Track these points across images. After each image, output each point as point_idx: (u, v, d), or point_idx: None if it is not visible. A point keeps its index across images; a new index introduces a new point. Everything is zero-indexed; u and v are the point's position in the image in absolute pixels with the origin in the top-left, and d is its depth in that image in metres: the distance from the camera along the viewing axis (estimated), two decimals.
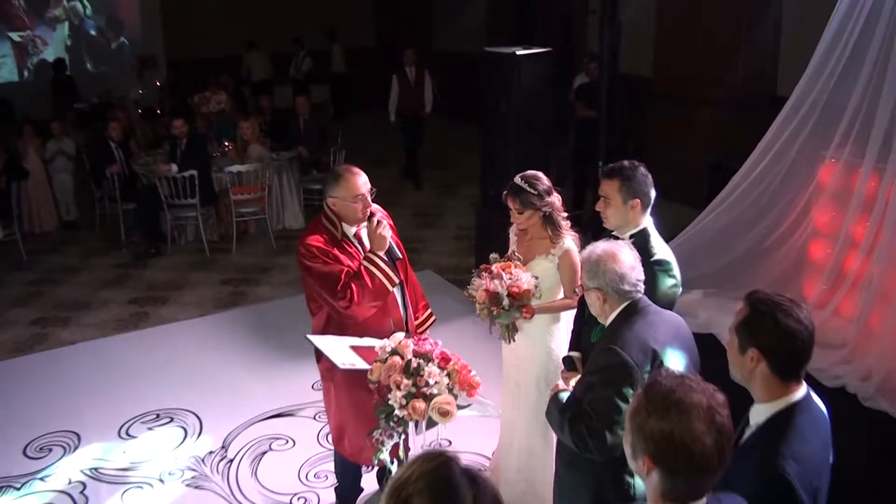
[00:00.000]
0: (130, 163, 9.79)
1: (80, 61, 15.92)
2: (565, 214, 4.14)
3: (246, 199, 9.27)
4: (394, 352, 3.23)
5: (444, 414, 3.06)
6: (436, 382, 3.09)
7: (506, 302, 3.85)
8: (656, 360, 2.91)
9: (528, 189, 4.03)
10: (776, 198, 6.33)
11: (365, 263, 3.81)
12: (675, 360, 2.97)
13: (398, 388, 3.08)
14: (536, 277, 3.93)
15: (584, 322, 3.63)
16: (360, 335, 3.76)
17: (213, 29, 15.35)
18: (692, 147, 9.62)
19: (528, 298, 3.89)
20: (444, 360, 3.16)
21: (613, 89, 8.30)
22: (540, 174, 4.11)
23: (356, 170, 3.92)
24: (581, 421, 2.90)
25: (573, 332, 3.90)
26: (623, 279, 2.98)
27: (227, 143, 10.16)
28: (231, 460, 5.28)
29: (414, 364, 3.13)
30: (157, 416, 5.87)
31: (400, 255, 3.99)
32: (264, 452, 5.34)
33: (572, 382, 3.21)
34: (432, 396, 3.08)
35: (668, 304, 3.21)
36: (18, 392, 6.28)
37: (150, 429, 5.72)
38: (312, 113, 10.80)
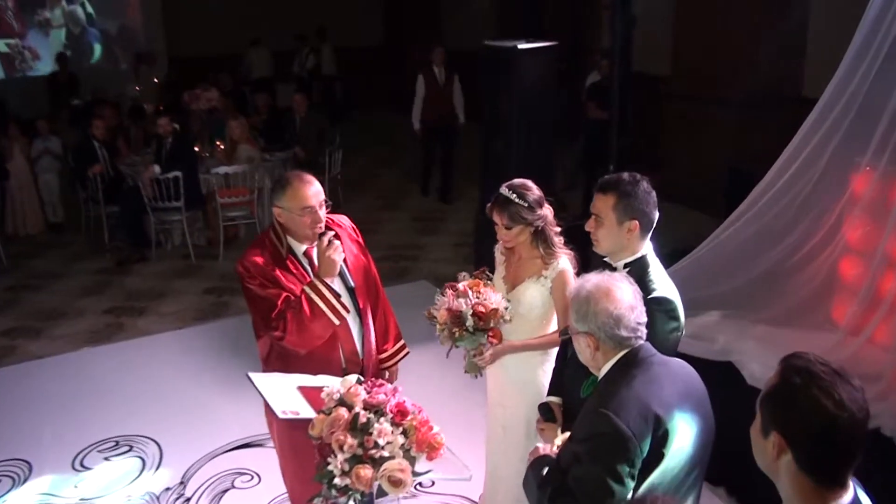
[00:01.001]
0: (116, 163, 9.28)
1: (80, 57, 15.40)
2: (558, 229, 3.55)
3: (234, 202, 8.74)
4: (341, 401, 2.65)
5: (396, 483, 2.47)
6: (388, 443, 2.51)
7: (469, 322, 3.29)
8: (660, 429, 2.31)
9: (518, 201, 3.44)
10: (804, 209, 5.70)
11: (306, 290, 3.26)
12: (685, 428, 2.38)
13: (341, 449, 2.50)
14: (509, 301, 3.38)
15: (567, 363, 3.05)
16: (304, 368, 3.21)
17: (214, 26, 14.83)
18: (710, 150, 9.05)
19: (497, 321, 3.34)
20: (401, 415, 2.57)
21: (626, 88, 7.73)
22: (529, 182, 3.52)
23: (308, 177, 3.36)
24: (563, 501, 2.33)
25: (553, 373, 3.33)
26: (619, 322, 2.41)
27: (218, 143, 9.63)
28: (188, 499, 4.73)
29: (362, 419, 2.55)
30: (116, 443, 5.34)
31: (352, 284, 3.44)
32: (226, 490, 4.79)
33: (557, 442, 2.63)
34: (383, 460, 2.50)
35: (667, 352, 2.60)
36: None
37: (106, 459, 5.19)
38: (310, 112, 10.25)
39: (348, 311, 3.36)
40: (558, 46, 7.01)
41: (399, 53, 16.25)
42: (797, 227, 5.71)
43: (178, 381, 6.08)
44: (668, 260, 6.26)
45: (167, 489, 4.84)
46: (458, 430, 5.00)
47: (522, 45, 6.36)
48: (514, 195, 3.44)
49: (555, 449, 2.61)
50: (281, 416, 2.90)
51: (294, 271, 3.36)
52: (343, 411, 2.59)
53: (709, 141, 9.13)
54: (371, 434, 2.51)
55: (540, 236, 3.49)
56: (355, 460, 2.50)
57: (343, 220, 3.68)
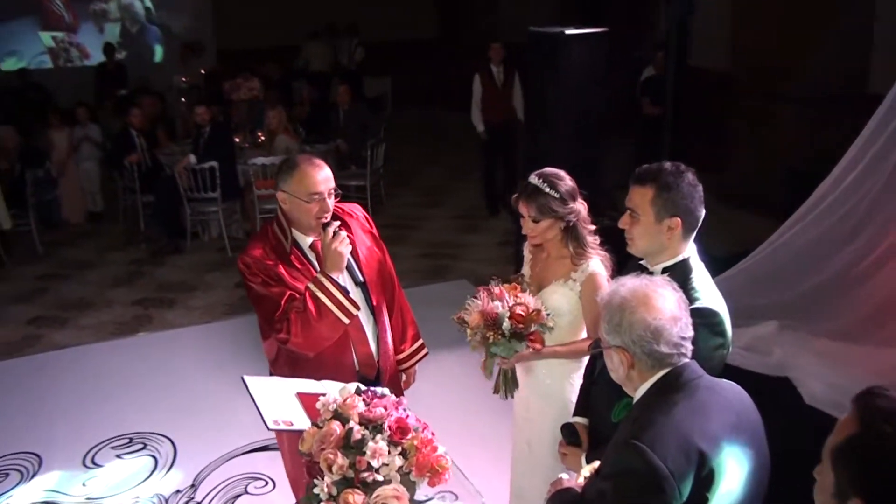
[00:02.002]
0: (155, 153, 9.10)
1: (139, 58, 15.17)
2: (592, 227, 3.18)
3: (271, 193, 8.40)
4: (336, 414, 2.32)
5: None
6: (383, 465, 2.17)
7: (506, 325, 2.91)
8: (704, 467, 1.93)
9: (548, 191, 3.06)
10: (871, 212, 5.26)
11: (311, 287, 2.95)
12: (735, 467, 1.98)
13: (330, 469, 2.18)
14: (547, 309, 3.00)
15: (595, 380, 2.68)
16: (314, 372, 2.90)
17: (265, 18, 14.68)
18: (770, 149, 8.56)
19: (539, 324, 2.94)
20: (400, 432, 2.23)
21: (681, 82, 7.28)
22: (562, 173, 3.14)
23: (318, 161, 3.06)
24: None
25: (580, 389, 2.96)
26: (659, 336, 2.02)
27: (259, 134, 9.41)
28: (199, 503, 4.47)
29: (357, 435, 2.21)
30: (130, 440, 5.12)
31: (361, 279, 3.12)
32: (238, 495, 4.51)
33: (584, 473, 2.27)
34: (376, 485, 2.17)
35: (710, 372, 2.21)
36: None
37: (118, 456, 4.96)
38: (353, 104, 9.97)
39: (358, 309, 3.05)
40: (611, 34, 6.60)
41: (453, 46, 15.88)
42: (863, 232, 5.28)
43: (200, 377, 5.83)
44: (723, 265, 5.89)
45: (177, 492, 4.59)
46: (482, 446, 4.72)
47: (570, 31, 5.97)
48: (545, 184, 3.08)
49: (580, 480, 2.25)
50: (271, 426, 2.58)
51: (299, 266, 3.07)
52: (336, 425, 2.26)
53: (769, 139, 8.67)
54: (364, 454, 2.17)
55: (571, 233, 3.11)
56: (344, 484, 2.16)
57: (355, 209, 3.38)
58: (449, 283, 7.42)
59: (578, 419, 2.79)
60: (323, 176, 3.00)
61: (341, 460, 2.17)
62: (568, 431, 2.71)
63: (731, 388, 2.14)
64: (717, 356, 2.41)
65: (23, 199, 8.44)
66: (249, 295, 3.11)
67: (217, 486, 4.60)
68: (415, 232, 9.10)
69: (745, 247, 6.01)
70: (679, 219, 2.48)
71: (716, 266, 5.85)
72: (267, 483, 4.59)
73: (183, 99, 11.74)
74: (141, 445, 5.05)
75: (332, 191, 3.03)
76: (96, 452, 5.00)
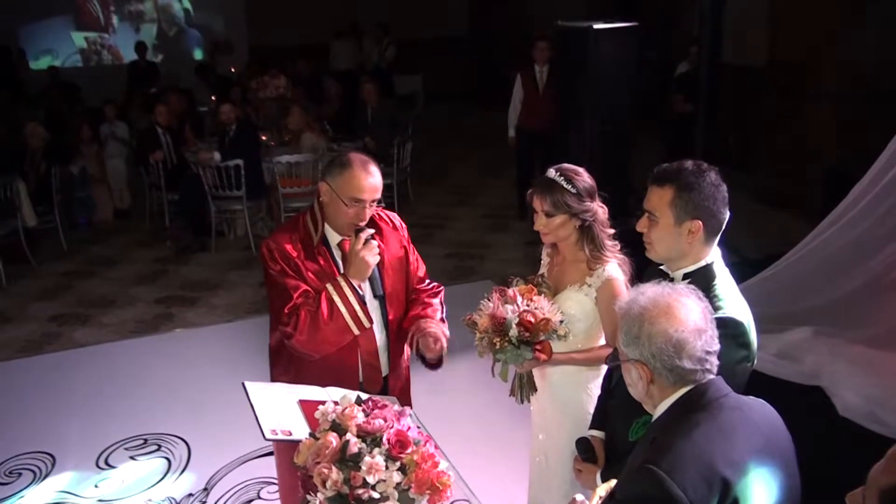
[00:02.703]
0: (182, 150, 9.06)
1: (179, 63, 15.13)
2: (611, 231, 3.02)
3: (297, 192, 8.37)
4: (334, 425, 2.19)
5: None
6: (379, 481, 2.04)
7: (513, 332, 2.77)
8: (728, 497, 1.76)
9: (565, 185, 2.92)
10: None
11: (328, 288, 2.85)
12: (762, 493, 1.81)
13: (324, 484, 2.05)
14: (563, 314, 2.85)
15: (612, 392, 2.53)
16: (316, 377, 2.80)
17: (297, 15, 14.65)
18: (807, 148, 8.31)
19: (548, 333, 2.79)
20: (399, 446, 2.10)
21: (714, 79, 7.10)
22: (582, 170, 2.99)
23: (372, 167, 2.92)
24: None
25: (598, 401, 2.80)
26: (681, 350, 1.86)
27: (286, 133, 9.33)
28: None
29: (353, 448, 2.08)
30: (145, 441, 5.04)
31: (381, 292, 3.01)
32: (250, 500, 4.40)
33: (600, 492, 2.12)
34: (373, 502, 2.03)
35: (733, 387, 2.03)
36: (5, 400, 5.58)
37: (132, 457, 4.88)
38: (381, 102, 9.86)
39: (371, 322, 2.93)
40: (643, 29, 6.42)
41: (485, 42, 15.72)
42: None
43: (218, 376, 5.73)
44: (758, 268, 5.69)
45: (189, 495, 4.50)
46: (500, 457, 4.58)
47: (598, 26, 5.80)
48: (562, 178, 2.93)
49: (595, 501, 2.10)
50: (269, 436, 2.47)
51: (322, 263, 2.98)
52: (332, 437, 2.13)
53: (805, 138, 8.41)
54: (360, 469, 2.04)
55: (587, 235, 2.96)
56: (339, 500, 2.03)
57: (393, 217, 3.27)
58: (474, 284, 7.27)
59: (595, 432, 2.65)
60: (371, 184, 2.88)
61: (336, 475, 2.04)
62: (583, 447, 2.56)
63: (759, 408, 1.97)
64: (741, 370, 2.25)
65: (49, 196, 8.44)
66: (266, 281, 3.04)
67: (230, 490, 4.50)
68: (442, 231, 8.97)
69: (781, 248, 5.81)
70: (700, 222, 2.31)
71: (750, 269, 5.71)
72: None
73: (213, 98, 11.72)
74: (155, 447, 4.97)
75: (376, 201, 2.93)
76: (110, 453, 4.92)
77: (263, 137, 9.22)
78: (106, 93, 11.25)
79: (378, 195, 2.92)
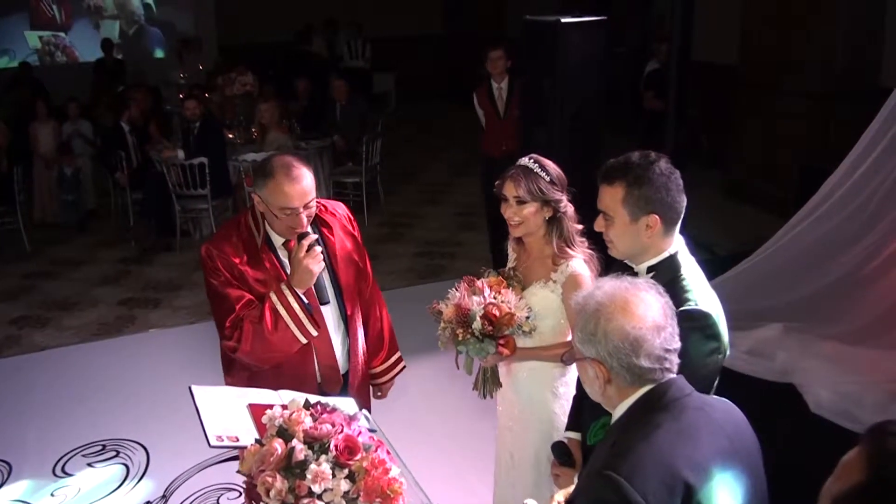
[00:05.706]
0: (146, 148, 8.87)
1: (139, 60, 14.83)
2: (580, 227, 2.93)
3: None
4: (281, 430, 2.08)
5: None
6: (325, 490, 1.93)
7: (476, 325, 2.69)
8: (692, 501, 1.66)
9: (538, 171, 2.85)
10: (881, 210, 5.01)
11: (272, 298, 2.71)
12: (726, 495, 1.72)
13: (268, 493, 1.94)
14: (531, 310, 2.76)
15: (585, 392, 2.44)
16: (273, 382, 2.68)
17: (267, 13, 14.48)
18: (780, 145, 8.29)
19: (512, 327, 2.72)
20: (348, 452, 1.98)
21: (684, 75, 7.03)
22: (552, 164, 2.93)
23: (296, 173, 2.70)
24: None
25: (573, 401, 2.71)
26: (638, 348, 1.76)
27: (254, 130, 9.18)
28: None
29: (299, 455, 1.97)
30: (103, 447, 4.89)
31: (328, 299, 2.85)
32: None
33: (558, 497, 2.02)
34: None
35: (703, 381, 1.93)
36: None
37: (89, 465, 4.73)
38: (350, 99, 9.71)
39: (318, 329, 2.80)
40: (614, 26, 6.31)
41: (459, 41, 15.62)
42: (873, 230, 5.03)
43: (180, 380, 5.51)
44: (729, 263, 5.63)
45: (147, 503, 4.35)
46: (466, 457, 4.49)
47: (566, 19, 5.70)
48: (536, 165, 2.87)
49: None
50: (214, 443, 2.35)
51: (267, 266, 2.83)
52: (278, 444, 2.01)
53: (778, 135, 8.38)
54: (305, 478, 1.93)
55: (556, 228, 2.88)
56: None
57: (338, 207, 3.12)
58: (445, 283, 7.13)
59: (571, 434, 2.56)
60: (298, 190, 2.69)
61: (280, 484, 1.93)
62: (559, 451, 2.45)
63: (722, 408, 1.87)
64: (712, 362, 2.16)
65: (11, 195, 8.24)
66: (208, 290, 2.86)
67: (189, 497, 4.37)
68: (412, 230, 8.84)
69: (753, 245, 5.77)
70: (656, 215, 2.22)
71: (722, 264, 5.64)
72: (240, 494, 4.33)
73: (181, 95, 11.52)
74: (113, 453, 4.82)
75: (310, 203, 2.74)
76: (67, 460, 4.77)
77: (230, 135, 9.07)
78: (64, 92, 11.03)
79: (310, 198, 2.73)
